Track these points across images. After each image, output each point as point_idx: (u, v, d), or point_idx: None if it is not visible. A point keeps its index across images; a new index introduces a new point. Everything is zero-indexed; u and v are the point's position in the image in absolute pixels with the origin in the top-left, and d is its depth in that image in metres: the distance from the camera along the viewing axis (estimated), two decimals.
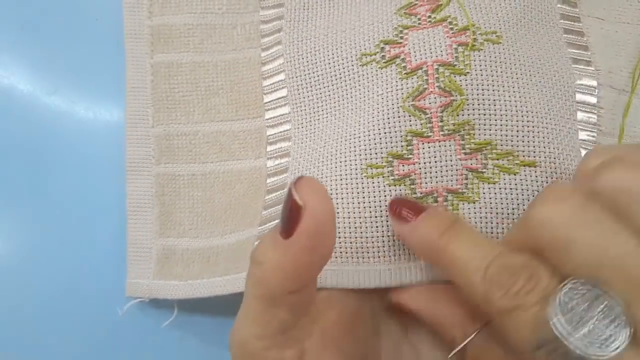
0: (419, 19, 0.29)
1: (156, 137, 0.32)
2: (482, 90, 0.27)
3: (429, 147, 0.27)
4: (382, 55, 0.28)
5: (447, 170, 0.27)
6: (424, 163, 0.27)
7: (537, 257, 0.19)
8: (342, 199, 0.27)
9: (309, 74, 0.30)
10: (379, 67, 0.28)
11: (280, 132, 0.31)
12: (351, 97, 0.29)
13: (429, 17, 0.28)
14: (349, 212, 0.27)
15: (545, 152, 0.27)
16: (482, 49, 0.27)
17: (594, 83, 0.29)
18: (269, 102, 0.31)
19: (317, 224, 0.19)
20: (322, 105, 0.30)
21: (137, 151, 0.32)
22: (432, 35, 0.28)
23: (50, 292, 0.33)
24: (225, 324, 0.32)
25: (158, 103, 0.32)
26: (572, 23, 0.30)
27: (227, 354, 0.22)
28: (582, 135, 0.28)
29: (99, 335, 0.33)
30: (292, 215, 0.19)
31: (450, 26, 0.28)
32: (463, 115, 0.27)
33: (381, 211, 0.27)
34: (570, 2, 0.30)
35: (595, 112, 0.29)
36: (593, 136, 0.29)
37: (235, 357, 0.22)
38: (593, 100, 0.29)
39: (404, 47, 0.28)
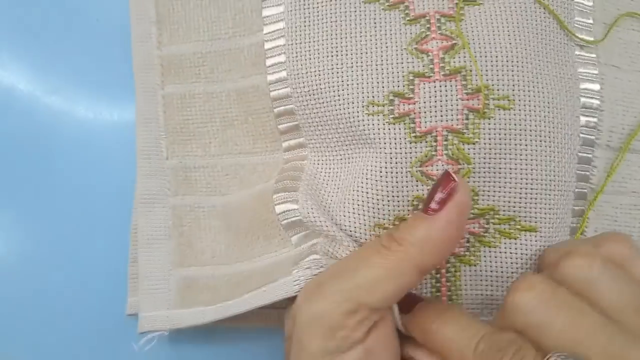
0: (431, 62, 0.27)
1: (172, 169, 0.32)
2: (489, 159, 0.27)
3: None
4: (391, 109, 0.27)
5: None
6: None
7: (522, 336, 0.22)
8: (354, 248, 0.27)
9: (316, 112, 0.29)
10: (387, 122, 0.27)
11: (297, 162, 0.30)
12: (358, 143, 0.28)
13: (442, 60, 0.27)
14: None
15: (545, 218, 0.28)
16: (492, 117, 0.27)
17: (592, 138, 0.29)
18: (284, 133, 0.31)
19: (468, 200, 0.23)
20: (333, 146, 0.29)
21: (151, 183, 0.32)
22: (444, 93, 0.27)
23: (49, 292, 0.33)
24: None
25: (172, 135, 0.32)
26: (589, 72, 0.29)
27: None
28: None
29: (99, 334, 0.33)
30: (446, 191, 0.23)
31: (464, 82, 0.27)
32: (468, 182, 0.27)
33: None
34: (588, 49, 0.30)
35: (589, 171, 0.29)
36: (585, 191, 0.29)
37: (313, 323, 0.23)
38: (589, 156, 0.29)
39: (414, 104, 0.27)
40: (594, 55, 0.29)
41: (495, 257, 0.28)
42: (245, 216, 0.31)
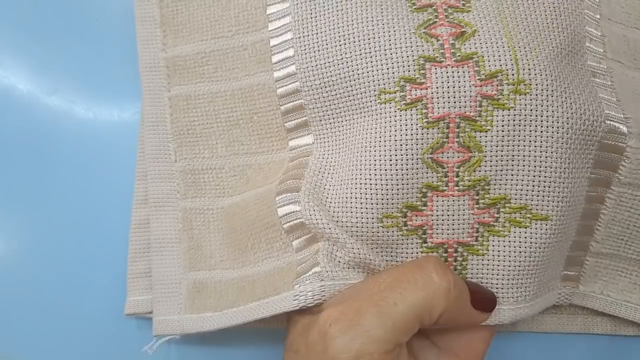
0: (442, 46, 0.27)
1: (181, 172, 0.32)
2: (502, 146, 0.26)
3: (442, 201, 0.27)
4: (402, 95, 0.27)
5: (459, 224, 0.27)
6: (437, 216, 0.27)
7: None
8: (357, 249, 0.27)
9: (328, 105, 0.29)
10: (398, 109, 0.27)
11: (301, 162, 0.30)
12: (369, 134, 0.28)
13: (452, 45, 0.27)
14: (361, 260, 0.27)
15: (558, 207, 0.27)
16: (506, 103, 0.26)
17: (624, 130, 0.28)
18: (291, 131, 0.30)
19: None
20: (342, 138, 0.29)
21: (161, 187, 0.32)
22: (456, 79, 0.26)
23: (48, 292, 0.33)
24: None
25: (179, 137, 0.32)
26: (597, 65, 0.29)
27: None
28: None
29: (98, 334, 0.33)
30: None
31: (477, 68, 0.26)
32: (480, 171, 0.27)
33: (396, 261, 0.28)
34: (597, 42, 0.29)
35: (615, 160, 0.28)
36: None
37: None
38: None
39: (426, 89, 0.26)
40: (601, 50, 0.29)
41: (504, 246, 0.28)
42: (249, 218, 0.30)
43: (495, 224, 0.28)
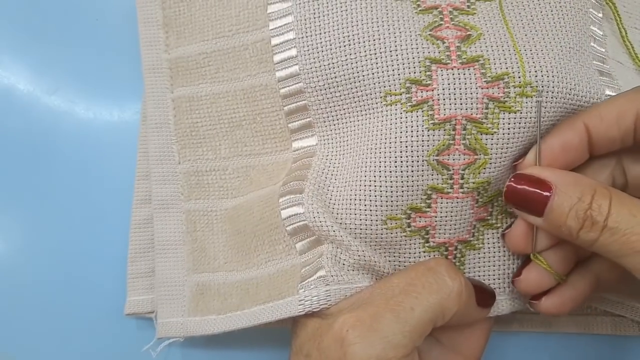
0: (447, 49, 0.27)
1: (184, 173, 0.31)
2: (507, 149, 0.26)
3: (447, 203, 0.27)
4: (408, 97, 0.26)
5: (460, 224, 0.28)
6: (441, 217, 0.27)
7: None
8: (362, 251, 0.27)
9: (332, 106, 0.28)
10: (404, 110, 0.27)
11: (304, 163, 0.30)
12: (374, 136, 0.27)
13: (458, 48, 0.27)
14: (366, 262, 0.27)
15: None
16: (512, 105, 0.26)
17: None
18: (295, 131, 0.30)
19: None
20: (346, 139, 0.29)
21: (165, 189, 0.31)
22: (462, 81, 0.26)
23: (48, 291, 0.33)
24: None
25: (183, 139, 0.31)
26: (602, 65, 0.29)
27: None
28: None
29: (98, 334, 0.33)
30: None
31: (483, 70, 0.26)
32: (484, 173, 0.27)
33: (398, 261, 0.28)
34: (600, 42, 0.29)
35: None
36: None
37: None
38: None
39: (432, 91, 0.26)
40: (603, 50, 0.29)
41: (498, 238, 0.28)
42: (252, 220, 0.30)
43: (489, 217, 0.28)
